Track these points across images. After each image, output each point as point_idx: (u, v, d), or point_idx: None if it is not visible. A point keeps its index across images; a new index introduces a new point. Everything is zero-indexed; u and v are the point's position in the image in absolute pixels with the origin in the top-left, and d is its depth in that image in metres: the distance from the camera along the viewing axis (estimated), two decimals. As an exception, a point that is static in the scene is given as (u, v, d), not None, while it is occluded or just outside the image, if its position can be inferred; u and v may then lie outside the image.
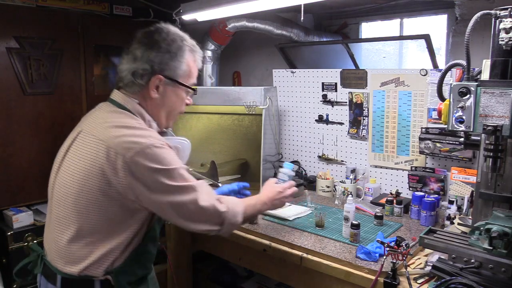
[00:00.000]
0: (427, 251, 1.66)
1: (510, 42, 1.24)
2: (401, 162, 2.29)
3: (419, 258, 1.62)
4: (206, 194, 1.32)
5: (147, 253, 1.36)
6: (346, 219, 1.79)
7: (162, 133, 1.42)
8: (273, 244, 1.80)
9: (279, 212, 2.02)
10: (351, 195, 2.17)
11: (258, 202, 1.59)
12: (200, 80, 2.79)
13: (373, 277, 1.49)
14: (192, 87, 1.40)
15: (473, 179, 1.89)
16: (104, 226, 1.24)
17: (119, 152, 1.19)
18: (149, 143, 1.21)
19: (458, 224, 1.70)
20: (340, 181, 2.37)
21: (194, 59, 1.40)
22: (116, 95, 1.37)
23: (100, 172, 1.20)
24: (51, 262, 1.30)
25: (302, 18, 1.83)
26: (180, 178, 1.26)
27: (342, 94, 2.49)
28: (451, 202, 1.93)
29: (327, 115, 2.57)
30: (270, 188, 1.68)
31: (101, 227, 1.24)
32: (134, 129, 1.26)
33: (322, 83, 2.56)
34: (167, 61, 1.32)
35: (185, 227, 1.32)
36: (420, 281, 1.45)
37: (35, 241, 2.41)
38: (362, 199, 2.32)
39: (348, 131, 2.49)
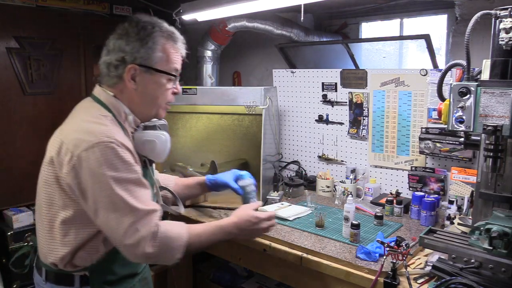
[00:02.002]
0: (427, 251, 1.66)
1: (510, 42, 1.24)
2: (401, 162, 2.29)
3: (419, 258, 1.62)
4: (141, 222, 1.20)
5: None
6: (346, 219, 1.79)
7: (137, 127, 1.39)
8: (273, 244, 1.79)
9: (279, 212, 2.02)
10: (351, 195, 2.17)
11: (220, 231, 1.41)
12: (200, 80, 2.79)
13: (373, 277, 1.49)
14: (172, 73, 1.35)
15: (473, 179, 1.89)
16: (71, 216, 1.23)
17: (69, 148, 1.20)
18: (96, 140, 1.18)
19: (458, 224, 1.70)
20: (340, 181, 2.37)
21: (173, 45, 1.35)
22: (95, 89, 1.37)
23: (51, 165, 1.24)
24: (39, 254, 1.34)
25: (302, 18, 1.83)
26: (120, 187, 1.19)
27: (342, 94, 2.49)
28: (451, 202, 1.93)
29: (327, 115, 2.57)
30: (243, 215, 1.47)
31: (70, 217, 1.23)
32: (89, 124, 1.23)
33: (322, 83, 2.56)
34: (138, 49, 1.28)
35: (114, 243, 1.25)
36: (420, 281, 1.45)
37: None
38: (362, 199, 2.32)
39: (348, 131, 2.49)
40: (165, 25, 1.36)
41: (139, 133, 1.38)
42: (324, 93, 2.56)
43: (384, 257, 1.48)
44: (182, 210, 1.67)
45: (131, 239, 1.19)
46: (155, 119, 1.47)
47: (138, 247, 1.19)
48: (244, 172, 1.78)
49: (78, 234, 1.24)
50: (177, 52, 1.37)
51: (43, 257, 1.30)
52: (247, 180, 1.74)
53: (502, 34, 1.25)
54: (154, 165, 1.53)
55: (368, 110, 2.38)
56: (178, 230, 1.30)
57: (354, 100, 2.44)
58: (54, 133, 1.33)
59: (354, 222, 1.74)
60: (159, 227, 1.23)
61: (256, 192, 1.74)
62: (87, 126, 1.23)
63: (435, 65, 2.18)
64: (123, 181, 1.20)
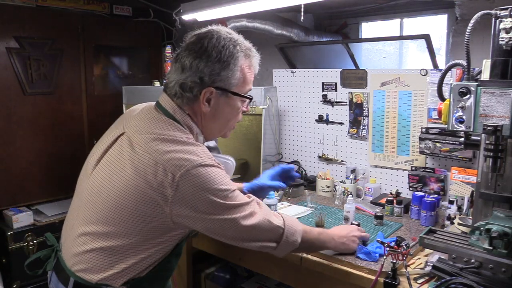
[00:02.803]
0: (427, 251, 1.66)
1: (510, 42, 1.24)
2: (401, 162, 2.29)
3: (419, 258, 1.61)
4: (260, 211, 1.25)
5: (169, 268, 1.30)
6: (346, 219, 1.79)
7: (208, 148, 1.30)
8: (273, 244, 1.79)
9: (279, 212, 2.01)
10: (351, 195, 2.17)
11: (323, 233, 1.51)
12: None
13: (373, 277, 1.48)
14: (248, 95, 1.28)
15: (473, 179, 1.89)
16: (134, 240, 1.15)
17: (168, 169, 1.10)
18: (200, 161, 1.13)
19: (458, 224, 1.70)
20: (340, 181, 2.37)
21: (250, 65, 1.27)
22: (165, 101, 1.25)
23: (144, 187, 1.11)
24: (65, 261, 1.23)
25: (302, 18, 1.83)
26: (229, 198, 1.17)
27: (342, 94, 2.49)
28: (451, 202, 1.93)
29: (327, 115, 2.57)
30: (342, 227, 1.62)
31: (131, 241, 1.15)
32: (184, 145, 1.16)
33: (322, 83, 2.56)
34: (218, 71, 1.19)
35: (237, 245, 1.26)
36: (420, 281, 1.45)
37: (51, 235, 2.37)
38: (362, 199, 2.32)
39: (348, 131, 2.49)
40: (243, 40, 1.27)
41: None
42: (324, 93, 2.56)
43: (384, 257, 1.47)
44: None
45: (258, 218, 1.24)
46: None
47: (270, 222, 1.27)
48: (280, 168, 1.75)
49: (138, 255, 1.18)
50: (252, 71, 1.29)
51: (76, 268, 1.19)
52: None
53: (502, 34, 1.25)
54: None
55: (368, 110, 2.38)
56: (292, 218, 1.39)
57: (354, 100, 2.44)
58: (126, 145, 1.18)
59: (354, 222, 1.74)
60: (280, 215, 1.33)
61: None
62: (182, 148, 1.15)
63: (435, 65, 2.18)
64: (227, 190, 1.18)
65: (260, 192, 1.68)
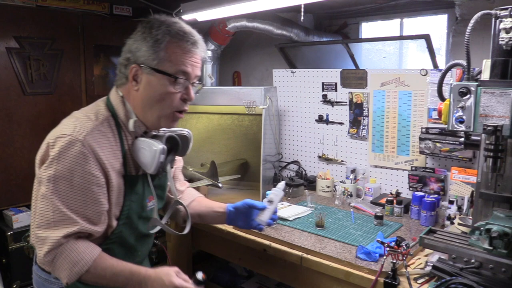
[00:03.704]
0: (427, 251, 1.66)
1: (510, 42, 1.24)
2: (401, 162, 2.29)
3: (419, 258, 1.62)
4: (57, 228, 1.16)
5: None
6: (270, 201, 1.57)
7: (146, 134, 1.34)
8: (273, 244, 1.79)
9: (279, 212, 2.01)
10: (350, 196, 2.15)
11: (128, 274, 1.23)
12: (200, 80, 2.79)
13: (373, 277, 1.49)
14: (177, 75, 1.26)
15: (473, 179, 1.89)
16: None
17: (48, 142, 1.22)
18: (62, 133, 1.19)
19: (458, 224, 1.70)
20: (340, 181, 2.37)
21: (181, 46, 1.26)
22: (112, 89, 1.36)
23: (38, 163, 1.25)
24: None
25: (302, 18, 1.83)
26: (52, 170, 1.17)
27: (342, 94, 2.49)
28: (451, 202, 1.93)
29: (327, 115, 2.57)
30: (161, 272, 1.25)
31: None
32: (72, 119, 1.25)
33: (322, 83, 2.56)
34: (142, 48, 1.24)
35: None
36: (420, 281, 1.45)
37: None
38: (362, 199, 2.32)
39: (348, 131, 2.49)
40: (179, 24, 1.28)
41: (138, 140, 1.30)
42: (324, 93, 2.56)
43: (384, 257, 1.48)
44: (185, 231, 1.52)
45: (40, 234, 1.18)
46: (179, 130, 1.44)
47: (46, 241, 1.17)
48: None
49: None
50: (187, 53, 1.27)
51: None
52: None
53: (502, 34, 1.25)
54: (171, 174, 1.47)
55: (368, 110, 2.38)
56: (80, 254, 1.19)
57: (354, 100, 2.44)
58: None
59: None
60: (69, 241, 1.18)
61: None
62: (68, 122, 1.24)
63: (435, 65, 2.18)
64: (59, 174, 1.18)
65: (241, 216, 1.58)
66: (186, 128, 1.52)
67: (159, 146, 1.28)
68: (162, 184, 1.47)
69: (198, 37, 1.31)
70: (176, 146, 1.42)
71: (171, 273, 1.26)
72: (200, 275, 1.33)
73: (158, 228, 1.46)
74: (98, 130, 1.22)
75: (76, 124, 1.21)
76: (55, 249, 1.17)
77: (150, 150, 1.27)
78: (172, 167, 1.47)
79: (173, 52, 1.25)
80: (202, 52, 1.33)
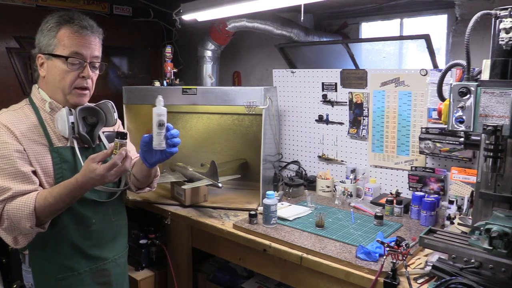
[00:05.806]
0: (427, 251, 1.66)
1: (510, 42, 1.24)
2: (401, 162, 2.29)
3: (419, 258, 1.62)
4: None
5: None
6: (161, 124, 1.47)
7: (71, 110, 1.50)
8: (273, 244, 1.80)
9: (279, 212, 2.01)
10: (350, 196, 2.14)
11: (66, 191, 1.39)
12: (200, 80, 2.79)
13: (373, 277, 1.49)
14: (71, 56, 1.44)
15: (473, 179, 1.89)
16: None
17: None
18: None
19: (458, 224, 1.70)
20: (340, 181, 2.37)
21: (70, 30, 1.46)
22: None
23: None
24: None
25: (302, 18, 1.83)
26: None
27: (342, 94, 2.49)
28: (451, 202, 1.93)
29: (327, 115, 2.57)
30: (85, 169, 1.40)
31: None
32: None
33: (322, 83, 2.56)
34: (41, 38, 1.47)
35: None
36: (420, 281, 1.45)
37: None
38: (362, 199, 2.32)
39: (348, 131, 2.49)
40: (70, 13, 1.49)
41: (55, 115, 1.49)
42: (324, 93, 2.56)
43: (384, 257, 1.48)
44: (120, 186, 1.68)
45: None
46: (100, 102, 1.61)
47: None
48: None
49: None
50: (78, 36, 1.46)
51: None
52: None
53: (502, 34, 1.25)
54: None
55: (368, 110, 2.38)
56: (24, 200, 1.38)
57: (354, 100, 2.44)
58: None
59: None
60: (7, 202, 1.37)
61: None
62: None
63: (435, 65, 2.18)
64: None
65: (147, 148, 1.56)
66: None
67: (66, 110, 1.47)
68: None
69: (89, 21, 1.50)
70: (101, 118, 1.59)
71: (88, 163, 1.40)
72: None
73: (107, 196, 1.60)
74: (12, 114, 1.46)
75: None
76: (2, 215, 1.37)
77: (61, 117, 1.47)
78: (110, 142, 1.62)
79: (65, 36, 1.46)
80: (96, 35, 1.52)
